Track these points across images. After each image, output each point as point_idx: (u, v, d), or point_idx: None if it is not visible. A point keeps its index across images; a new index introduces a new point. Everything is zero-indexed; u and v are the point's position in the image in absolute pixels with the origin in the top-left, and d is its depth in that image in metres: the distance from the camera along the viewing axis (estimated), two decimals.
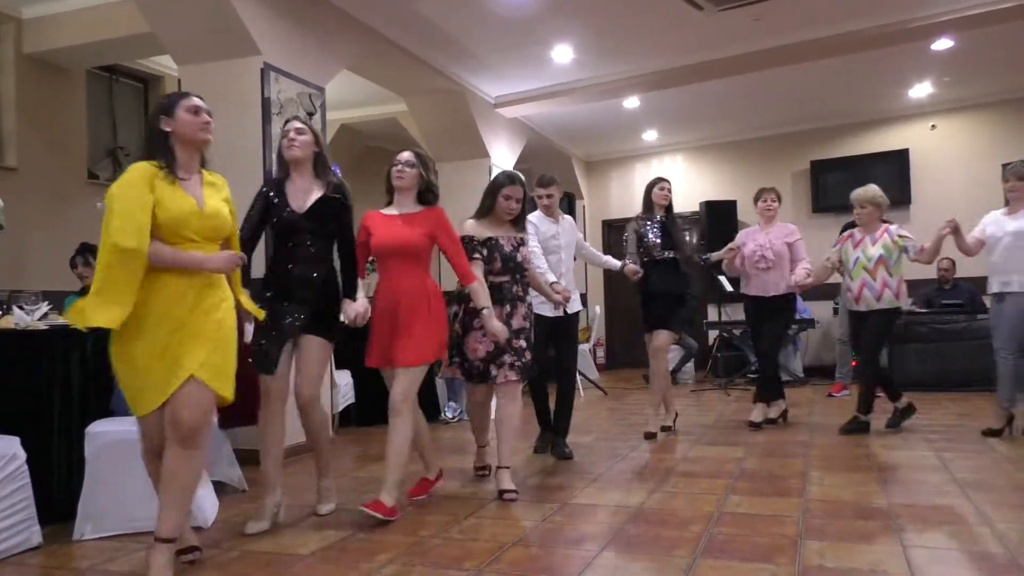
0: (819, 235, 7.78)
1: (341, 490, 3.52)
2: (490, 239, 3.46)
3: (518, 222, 3.58)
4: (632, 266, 4.61)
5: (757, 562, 2.41)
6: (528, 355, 3.47)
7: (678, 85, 6.95)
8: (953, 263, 7.08)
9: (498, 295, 3.43)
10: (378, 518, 2.91)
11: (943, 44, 6.34)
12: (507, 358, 3.40)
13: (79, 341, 3.05)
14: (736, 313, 7.90)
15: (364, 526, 2.93)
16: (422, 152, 3.27)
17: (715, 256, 5.18)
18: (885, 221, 4.80)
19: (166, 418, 2.29)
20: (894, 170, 8.45)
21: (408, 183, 3.19)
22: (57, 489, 3.01)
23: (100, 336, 3.40)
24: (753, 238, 5.06)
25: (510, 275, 3.48)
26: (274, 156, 3.28)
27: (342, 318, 3.08)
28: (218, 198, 2.46)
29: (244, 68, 4.42)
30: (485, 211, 3.54)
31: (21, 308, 3.31)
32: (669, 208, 4.82)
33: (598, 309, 8.88)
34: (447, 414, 5.83)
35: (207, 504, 3.04)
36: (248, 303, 2.64)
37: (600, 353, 9.53)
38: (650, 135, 9.31)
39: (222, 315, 2.40)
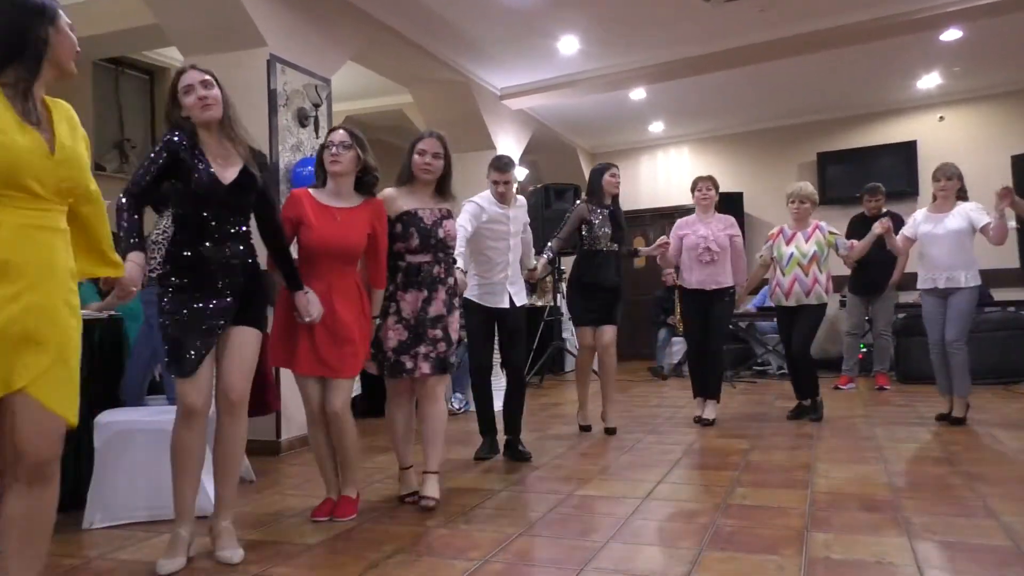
0: None
1: None
2: (406, 213, 3.04)
3: (443, 189, 3.15)
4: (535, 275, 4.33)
5: (763, 554, 2.41)
6: (444, 347, 3.05)
7: (684, 76, 6.93)
8: None
9: (415, 277, 3.04)
10: (352, 517, 2.92)
11: (952, 35, 6.30)
12: (422, 348, 3.01)
13: (87, 331, 3.04)
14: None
15: (370, 516, 2.96)
16: (357, 131, 2.91)
17: (644, 251, 4.96)
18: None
19: (7, 448, 1.71)
20: (902, 162, 8.43)
21: (346, 167, 2.84)
22: (66, 478, 3.00)
23: (109, 325, 3.46)
24: (694, 229, 4.89)
25: (431, 254, 3.05)
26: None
27: (307, 319, 2.73)
28: (74, 137, 1.85)
29: (250, 60, 4.42)
30: (405, 176, 3.11)
31: None
32: (615, 197, 4.68)
33: None
34: (453, 405, 5.84)
35: (212, 493, 3.04)
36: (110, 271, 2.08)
37: None
38: (656, 127, 9.28)
39: (74, 306, 1.87)
